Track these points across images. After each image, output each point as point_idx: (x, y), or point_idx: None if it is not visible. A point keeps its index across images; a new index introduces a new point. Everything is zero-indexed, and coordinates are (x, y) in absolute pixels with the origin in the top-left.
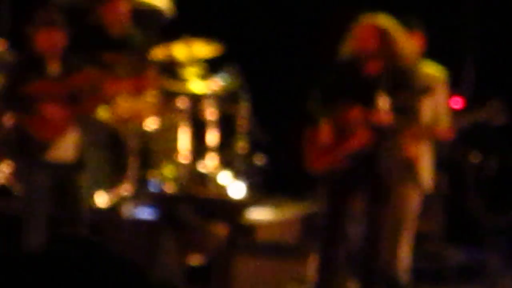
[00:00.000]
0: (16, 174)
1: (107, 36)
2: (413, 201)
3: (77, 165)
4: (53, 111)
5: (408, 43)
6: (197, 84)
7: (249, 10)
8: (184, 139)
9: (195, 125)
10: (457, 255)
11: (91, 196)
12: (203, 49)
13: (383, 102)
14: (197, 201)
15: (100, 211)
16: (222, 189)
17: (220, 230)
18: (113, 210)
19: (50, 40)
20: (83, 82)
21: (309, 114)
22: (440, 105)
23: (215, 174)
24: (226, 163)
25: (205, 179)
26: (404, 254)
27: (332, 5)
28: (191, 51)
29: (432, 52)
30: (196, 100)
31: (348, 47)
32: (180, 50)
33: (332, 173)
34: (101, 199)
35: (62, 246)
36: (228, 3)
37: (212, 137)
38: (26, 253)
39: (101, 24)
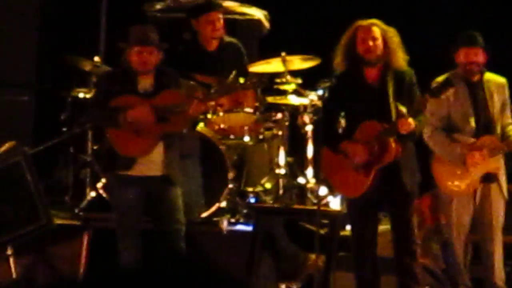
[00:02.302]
0: (108, 189)
1: (203, 50)
2: (501, 212)
3: (166, 179)
4: (139, 114)
5: (401, 46)
6: (295, 97)
7: (344, 24)
8: (283, 152)
9: (293, 138)
10: None
11: (190, 209)
12: (300, 62)
13: (402, 110)
14: (296, 213)
15: (198, 223)
16: (321, 201)
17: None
18: (211, 222)
19: (143, 58)
20: (169, 101)
21: (327, 137)
22: (507, 109)
23: (314, 187)
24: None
25: (304, 192)
26: (500, 265)
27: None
28: (289, 64)
29: (496, 63)
30: (294, 113)
31: (346, 52)
32: (278, 64)
33: (362, 195)
34: (200, 212)
35: (157, 262)
36: (325, 18)
37: (311, 150)
38: (122, 269)
39: (197, 38)
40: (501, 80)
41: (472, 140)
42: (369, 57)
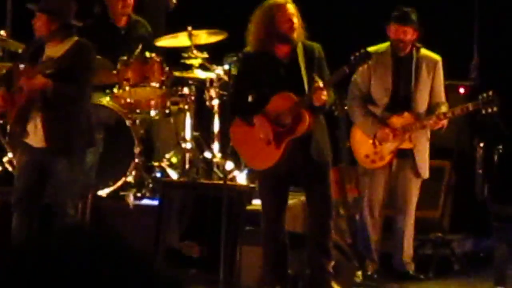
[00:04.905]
0: None
1: (113, 26)
2: (413, 189)
3: (50, 151)
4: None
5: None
6: (201, 71)
7: None
8: (189, 126)
9: (200, 112)
10: (463, 243)
11: (95, 184)
12: (207, 37)
13: (317, 81)
14: (202, 187)
15: (104, 198)
16: (227, 176)
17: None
18: (118, 197)
19: (35, 23)
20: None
21: (238, 109)
22: (437, 87)
23: (221, 161)
24: (231, 150)
25: (210, 166)
26: (409, 242)
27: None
28: (195, 39)
29: (441, 42)
30: (201, 87)
31: (264, 30)
32: (185, 38)
33: (272, 167)
34: (106, 187)
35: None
36: None
37: (217, 124)
38: (13, 244)
39: (107, 13)
40: (435, 57)
41: (387, 114)
42: (292, 34)
